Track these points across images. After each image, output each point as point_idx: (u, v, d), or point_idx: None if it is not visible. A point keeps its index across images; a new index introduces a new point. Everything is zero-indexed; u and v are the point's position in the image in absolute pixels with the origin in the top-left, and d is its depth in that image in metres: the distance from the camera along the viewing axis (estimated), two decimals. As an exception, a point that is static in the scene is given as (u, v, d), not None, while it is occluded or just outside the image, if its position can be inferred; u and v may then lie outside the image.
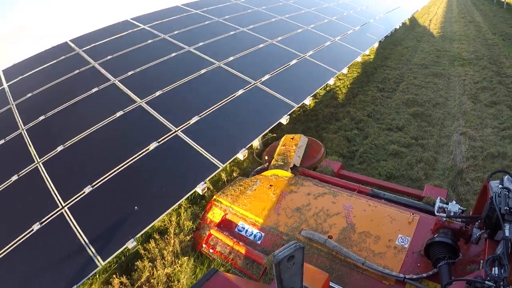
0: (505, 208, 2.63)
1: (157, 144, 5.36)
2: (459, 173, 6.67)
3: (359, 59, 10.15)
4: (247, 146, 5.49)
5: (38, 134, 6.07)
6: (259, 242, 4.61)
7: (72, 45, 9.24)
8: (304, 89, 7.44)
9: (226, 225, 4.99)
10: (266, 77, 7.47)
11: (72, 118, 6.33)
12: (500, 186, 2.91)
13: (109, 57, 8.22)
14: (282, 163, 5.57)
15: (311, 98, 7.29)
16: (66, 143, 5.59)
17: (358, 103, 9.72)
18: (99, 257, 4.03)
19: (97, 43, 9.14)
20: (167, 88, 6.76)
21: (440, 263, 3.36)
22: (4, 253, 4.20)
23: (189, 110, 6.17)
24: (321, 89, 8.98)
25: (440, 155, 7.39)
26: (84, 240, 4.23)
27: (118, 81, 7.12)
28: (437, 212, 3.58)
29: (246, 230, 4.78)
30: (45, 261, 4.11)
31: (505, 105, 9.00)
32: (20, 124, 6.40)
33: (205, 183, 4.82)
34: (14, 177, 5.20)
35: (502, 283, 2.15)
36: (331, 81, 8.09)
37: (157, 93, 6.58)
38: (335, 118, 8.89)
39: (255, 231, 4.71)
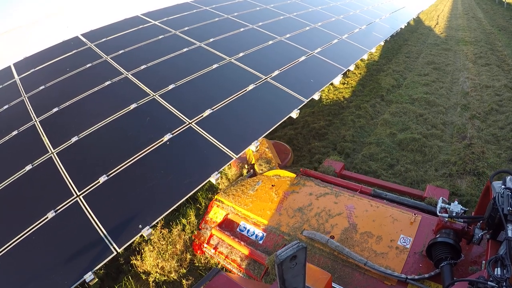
0: (508, 208, 2.66)
1: (171, 135, 5.46)
2: (466, 93, 10.63)
3: (365, 56, 10.30)
4: (259, 139, 5.59)
5: (51, 125, 6.14)
6: (260, 242, 4.71)
7: (84, 39, 9.33)
8: (312, 85, 7.53)
9: (227, 225, 5.08)
10: (276, 72, 7.58)
11: (86, 110, 6.42)
12: (503, 186, 2.92)
13: (121, 52, 8.32)
14: (269, 165, 5.64)
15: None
16: (81, 134, 5.68)
17: (395, 63, 13.98)
18: (114, 244, 4.12)
19: (109, 38, 9.23)
20: (180, 82, 6.87)
21: (442, 263, 3.42)
22: (20, 239, 4.30)
23: (202, 103, 6.27)
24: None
25: (454, 85, 11.51)
26: (100, 227, 4.32)
27: (131, 74, 7.23)
28: (439, 213, 3.62)
29: (248, 230, 4.88)
30: (60, 247, 4.20)
31: (495, 65, 13.31)
32: (33, 116, 6.46)
33: (219, 173, 4.90)
34: (28, 167, 5.28)
35: (504, 283, 2.17)
36: (336, 80, 8.18)
37: (170, 87, 6.70)
38: (381, 70, 13.02)
39: (257, 231, 4.80)
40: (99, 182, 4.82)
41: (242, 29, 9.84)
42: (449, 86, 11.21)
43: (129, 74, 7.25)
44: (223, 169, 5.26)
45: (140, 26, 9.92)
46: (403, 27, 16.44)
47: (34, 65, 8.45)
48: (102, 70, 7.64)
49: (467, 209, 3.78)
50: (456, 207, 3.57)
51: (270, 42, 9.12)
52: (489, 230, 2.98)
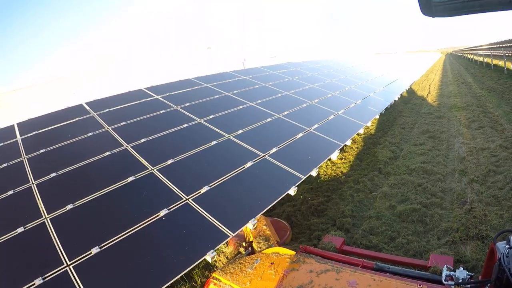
0: None
1: (168, 211, 5.44)
2: (462, 158, 10.63)
3: (361, 130, 10.56)
4: (257, 216, 5.58)
5: (48, 190, 6.11)
6: None
7: (87, 107, 9.58)
8: (310, 161, 7.65)
9: None
10: (274, 149, 7.73)
11: (83, 178, 6.42)
12: (507, 246, 2.90)
13: (122, 123, 8.51)
14: (267, 243, 5.62)
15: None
16: (76, 202, 5.65)
17: (391, 135, 14.06)
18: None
19: (112, 109, 9.47)
20: (179, 157, 6.97)
21: None
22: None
23: (200, 179, 6.32)
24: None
25: (450, 152, 11.56)
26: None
27: (130, 147, 7.35)
28: (445, 281, 3.58)
29: (247, 310, 4.76)
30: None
31: (488, 127, 13.59)
32: (31, 178, 6.46)
33: (215, 251, 4.85)
34: (20, 229, 5.17)
35: None
36: (333, 156, 8.31)
37: (169, 162, 6.79)
38: (378, 143, 12.98)
39: (256, 310, 4.69)
40: (91, 253, 4.72)
41: (241, 107, 10.14)
42: (445, 153, 11.39)
43: (128, 146, 7.37)
44: (219, 247, 5.23)
45: (143, 100, 10.23)
46: (396, 99, 17.33)
47: (37, 128, 8.54)
48: (102, 140, 7.77)
49: (474, 273, 3.73)
50: (461, 273, 3.54)
51: (268, 119, 9.37)
52: None
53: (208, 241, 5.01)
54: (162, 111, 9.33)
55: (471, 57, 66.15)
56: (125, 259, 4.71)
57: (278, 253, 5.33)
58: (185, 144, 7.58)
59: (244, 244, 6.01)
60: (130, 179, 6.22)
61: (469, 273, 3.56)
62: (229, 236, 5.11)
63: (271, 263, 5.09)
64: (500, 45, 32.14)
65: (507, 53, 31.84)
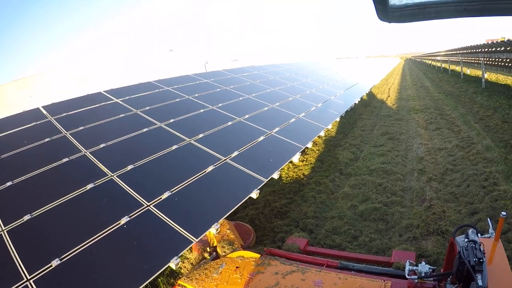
0: (474, 259, 2.78)
1: (129, 218, 5.32)
2: (421, 158, 11.10)
3: (322, 133, 10.70)
4: (220, 221, 5.56)
5: (3, 200, 5.84)
6: None
7: (44, 112, 9.20)
8: (272, 164, 7.71)
9: None
10: (235, 153, 7.73)
11: (40, 187, 6.17)
12: (466, 240, 3.06)
13: (81, 128, 8.26)
14: (231, 247, 5.62)
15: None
16: (34, 213, 5.42)
17: (351, 137, 14.44)
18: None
19: (70, 113, 9.16)
20: (139, 163, 6.84)
21: None
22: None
23: (161, 185, 6.23)
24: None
25: (408, 152, 12.03)
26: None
27: (89, 152, 7.14)
28: (408, 275, 3.67)
29: (213, 316, 4.73)
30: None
31: (445, 128, 14.56)
32: None
33: (179, 257, 4.78)
34: None
35: None
36: (295, 158, 8.39)
37: (129, 167, 6.65)
38: (339, 145, 13.28)
39: (223, 316, 4.67)
40: (51, 266, 4.54)
41: (202, 110, 10.09)
42: (404, 153, 11.77)
43: (87, 152, 7.16)
44: (183, 253, 5.17)
45: (102, 103, 9.98)
46: (357, 102, 17.80)
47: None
48: (60, 146, 7.50)
49: (436, 267, 3.85)
50: (424, 267, 3.64)
51: (230, 123, 9.37)
52: (460, 284, 3.05)
53: (171, 247, 4.94)
54: (122, 115, 9.14)
55: (430, 62, 68.95)
56: (88, 270, 4.57)
57: (243, 257, 5.33)
58: (145, 148, 7.45)
59: (208, 249, 5.99)
60: (89, 186, 6.04)
61: (431, 267, 3.68)
62: (192, 242, 5.06)
63: (237, 267, 5.08)
64: (457, 52, 34.09)
65: (464, 59, 33.77)
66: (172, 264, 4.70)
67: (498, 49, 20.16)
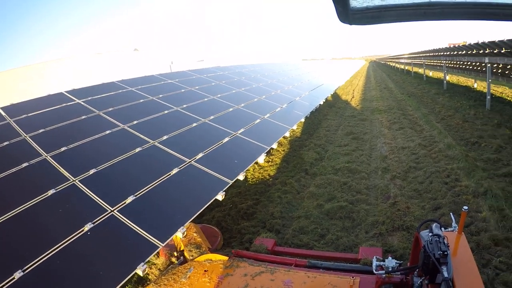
0: (439, 252, 2.85)
1: (92, 225, 5.19)
2: (384, 157, 11.37)
3: (287, 134, 10.78)
4: (186, 224, 5.52)
5: None
6: None
7: (3, 113, 8.85)
8: (237, 165, 7.73)
9: None
10: (200, 155, 7.70)
11: None
12: (430, 234, 3.13)
13: (41, 130, 8.00)
14: (199, 250, 5.59)
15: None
16: None
17: (316, 137, 14.41)
18: None
19: (30, 114, 8.85)
20: (102, 166, 6.70)
21: None
22: None
23: (125, 189, 6.13)
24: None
25: (373, 152, 12.25)
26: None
27: (50, 156, 6.93)
28: (375, 271, 3.72)
29: (183, 321, 4.68)
30: None
31: (408, 128, 15.02)
32: None
33: (146, 263, 4.72)
34: None
35: None
36: (260, 159, 8.42)
37: (92, 171, 6.49)
38: (304, 145, 13.19)
39: (192, 320, 4.63)
40: (14, 278, 4.38)
41: (166, 111, 9.99)
42: (369, 152, 12.05)
43: (48, 156, 6.94)
44: (150, 259, 5.10)
45: (64, 104, 9.71)
46: (322, 103, 18.02)
47: None
48: (19, 150, 7.23)
49: (402, 261, 3.93)
50: (390, 262, 3.71)
51: (194, 124, 9.32)
52: (426, 276, 3.11)
53: (137, 253, 4.87)
54: (84, 117, 8.93)
55: (393, 65, 70.91)
56: (52, 282, 4.44)
57: (211, 260, 5.29)
58: (108, 151, 7.31)
59: (175, 253, 5.92)
60: (51, 192, 5.85)
61: (398, 262, 3.75)
62: (158, 247, 5.01)
63: (205, 271, 5.04)
64: (421, 55, 35.63)
65: (427, 61, 35.23)
66: (139, 271, 4.63)
67: (459, 52, 21.16)
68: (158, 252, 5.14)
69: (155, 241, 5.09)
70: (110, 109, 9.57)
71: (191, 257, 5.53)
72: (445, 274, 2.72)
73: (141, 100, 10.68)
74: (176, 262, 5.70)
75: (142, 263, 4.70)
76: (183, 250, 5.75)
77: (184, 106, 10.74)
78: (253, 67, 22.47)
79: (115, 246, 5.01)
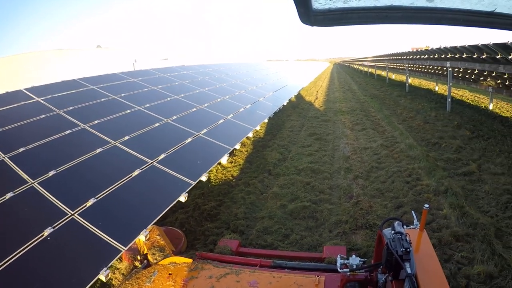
0: (401, 249, 2.95)
1: (52, 229, 5.06)
2: (347, 157, 11.68)
3: (250, 134, 10.85)
4: (149, 227, 5.49)
5: None
6: None
7: (-45, 112, 8.51)
8: (200, 166, 7.73)
9: None
10: (163, 156, 7.66)
11: None
12: (393, 232, 3.24)
13: (-3, 131, 7.70)
14: (162, 253, 5.58)
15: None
16: None
17: (279, 138, 14.59)
18: None
19: (-16, 114, 8.49)
20: (61, 168, 6.54)
21: None
22: None
23: (85, 191, 6.01)
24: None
25: (335, 152, 12.55)
26: None
27: (7, 158, 6.68)
28: (340, 269, 3.75)
29: (148, 326, 4.67)
30: None
31: (371, 129, 15.39)
32: None
33: (109, 268, 4.65)
34: None
35: None
36: (223, 159, 8.45)
37: (51, 173, 6.33)
38: (267, 146, 13.32)
39: (157, 325, 4.63)
40: None
41: (128, 111, 9.87)
42: (331, 153, 12.29)
43: (5, 157, 6.67)
44: (113, 264, 5.04)
45: (22, 102, 9.36)
46: (285, 103, 18.20)
47: None
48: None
49: (366, 259, 4.02)
50: (354, 260, 3.75)
51: (157, 124, 9.25)
52: (390, 273, 3.20)
53: (100, 258, 4.79)
54: (43, 116, 8.66)
55: (357, 67, 72.26)
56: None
57: (175, 263, 5.28)
58: (68, 152, 7.13)
59: (139, 257, 5.87)
60: (8, 195, 5.65)
61: (362, 259, 3.80)
62: (121, 251, 4.94)
63: (169, 274, 5.03)
64: (384, 58, 36.55)
65: (390, 65, 36.15)
66: (102, 276, 4.56)
67: (422, 56, 21.81)
68: (121, 256, 5.09)
69: (117, 245, 5.02)
70: (71, 108, 9.33)
71: (154, 261, 5.51)
72: (408, 270, 2.82)
73: (103, 99, 10.49)
74: (139, 266, 5.66)
75: (105, 268, 4.62)
76: (146, 254, 5.72)
77: (147, 105, 10.63)
78: (217, 67, 22.42)
79: (76, 251, 4.91)
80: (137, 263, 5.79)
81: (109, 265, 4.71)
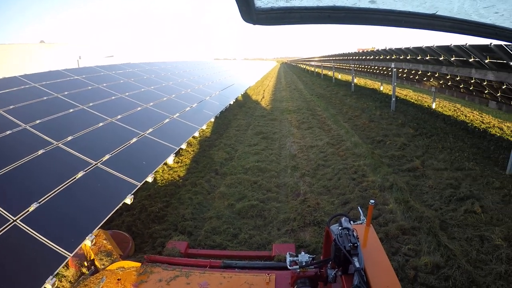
0: (349, 244, 3.05)
1: None
2: (294, 156, 11.90)
3: (196, 134, 10.87)
4: (94, 231, 5.41)
5: None
6: None
7: None
8: (145, 167, 7.70)
9: None
10: (107, 156, 7.55)
11: None
12: (340, 228, 3.32)
13: None
14: (110, 258, 5.52)
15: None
16: None
17: (226, 137, 14.59)
18: None
19: None
20: (1, 172, 6.25)
21: None
22: None
23: (27, 196, 5.80)
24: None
25: (282, 151, 12.80)
26: None
27: None
28: (290, 266, 3.78)
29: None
30: None
31: (317, 128, 15.91)
32: None
33: (55, 276, 4.54)
34: None
35: None
36: (169, 160, 8.42)
37: (-12, 177, 6.07)
38: (214, 145, 13.32)
39: (106, 334, 4.58)
40: None
41: (71, 110, 9.60)
42: (278, 151, 12.55)
43: None
44: (59, 271, 4.93)
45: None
46: (232, 103, 18.34)
47: None
48: None
49: (315, 255, 4.09)
50: (303, 257, 3.80)
51: (101, 124, 9.08)
52: (339, 268, 3.29)
53: (44, 266, 4.67)
54: (-21, 115, 8.28)
55: (304, 67, 73.42)
56: None
57: (123, 267, 5.22)
58: (8, 154, 6.85)
59: (85, 263, 5.74)
60: None
61: (311, 256, 3.87)
62: (67, 258, 4.84)
63: (118, 279, 4.97)
64: (330, 58, 37.66)
65: (336, 65, 37.30)
66: (48, 285, 4.45)
67: (368, 57, 22.60)
68: (67, 263, 4.98)
69: (63, 251, 4.92)
70: (11, 106, 8.91)
71: (102, 266, 5.43)
72: (357, 265, 2.91)
73: (45, 98, 10.11)
74: (87, 272, 5.55)
75: (51, 277, 4.52)
76: (93, 259, 5.62)
77: (91, 104, 10.37)
78: (164, 65, 22.15)
79: (19, 260, 4.75)
80: (84, 270, 5.67)
81: (55, 273, 4.61)
